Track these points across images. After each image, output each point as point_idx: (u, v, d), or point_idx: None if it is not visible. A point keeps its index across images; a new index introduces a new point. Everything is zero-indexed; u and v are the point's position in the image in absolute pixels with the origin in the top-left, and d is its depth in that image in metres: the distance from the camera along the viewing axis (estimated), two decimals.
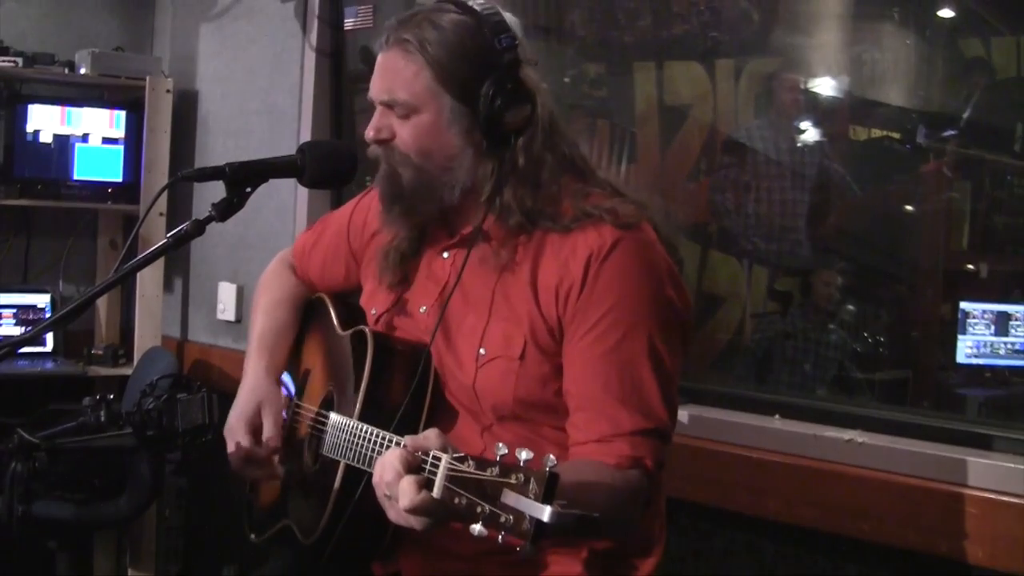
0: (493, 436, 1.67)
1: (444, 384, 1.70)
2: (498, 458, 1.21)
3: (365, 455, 1.59)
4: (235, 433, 1.81)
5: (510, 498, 1.16)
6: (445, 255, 1.74)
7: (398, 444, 1.45)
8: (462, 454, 1.26)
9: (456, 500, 1.22)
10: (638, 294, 1.59)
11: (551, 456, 1.16)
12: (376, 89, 1.66)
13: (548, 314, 1.62)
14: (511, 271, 1.65)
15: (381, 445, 1.55)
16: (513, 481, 1.17)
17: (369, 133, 1.66)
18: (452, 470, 1.24)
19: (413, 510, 1.27)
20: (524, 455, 1.18)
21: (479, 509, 1.19)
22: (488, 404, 1.65)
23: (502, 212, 1.63)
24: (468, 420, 1.70)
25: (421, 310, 1.74)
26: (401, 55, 1.62)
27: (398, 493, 1.28)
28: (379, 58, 1.66)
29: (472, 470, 1.22)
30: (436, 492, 1.25)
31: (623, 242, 1.60)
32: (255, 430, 1.80)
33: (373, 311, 1.83)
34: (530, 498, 1.15)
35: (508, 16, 1.66)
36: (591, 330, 1.59)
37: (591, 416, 1.58)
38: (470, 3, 1.64)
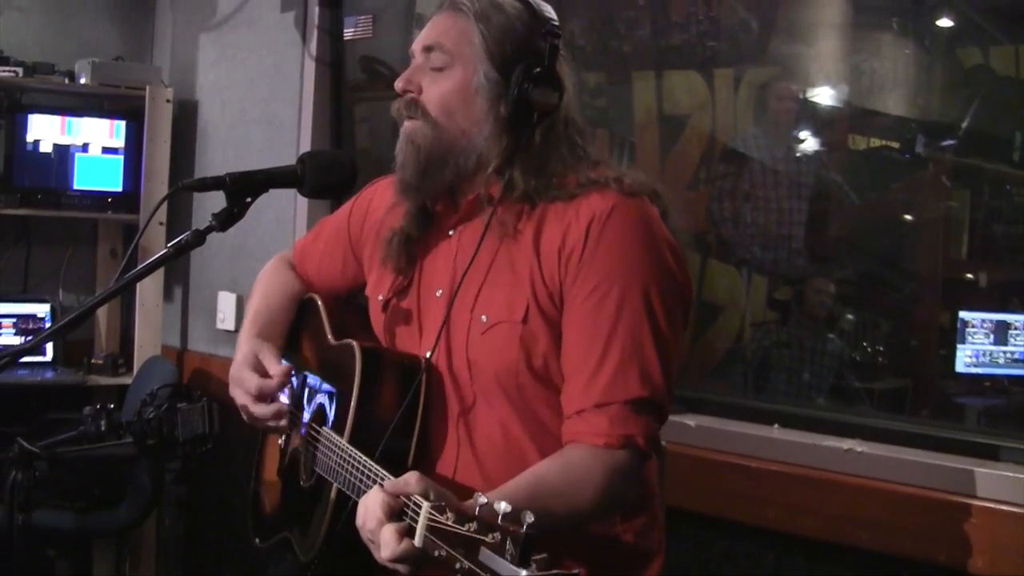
0: (473, 421, 1.65)
1: (449, 361, 1.68)
2: (477, 510, 1.21)
3: (354, 485, 1.58)
4: (241, 380, 1.80)
5: (487, 557, 1.17)
6: (451, 233, 1.74)
7: (381, 480, 1.46)
8: (441, 503, 1.28)
9: (437, 552, 1.24)
10: (639, 259, 1.59)
11: (529, 513, 1.16)
12: (421, 39, 1.69)
13: (550, 279, 1.61)
14: (514, 237, 1.65)
15: (367, 477, 1.55)
16: (490, 540, 1.17)
17: (399, 84, 1.69)
18: (432, 520, 1.26)
19: (395, 560, 1.31)
20: (503, 507, 1.18)
21: (458, 565, 1.20)
22: (491, 373, 1.63)
23: (507, 187, 1.64)
24: (453, 402, 1.68)
25: (437, 293, 1.72)
26: (453, 15, 1.67)
27: (380, 541, 1.31)
28: (430, 19, 1.71)
29: (451, 524, 1.23)
30: (418, 541, 1.27)
31: (624, 207, 1.60)
32: (261, 372, 1.80)
33: (380, 297, 1.82)
34: (506, 559, 1.15)
35: None
36: (590, 295, 1.58)
37: (584, 382, 1.57)
38: None
